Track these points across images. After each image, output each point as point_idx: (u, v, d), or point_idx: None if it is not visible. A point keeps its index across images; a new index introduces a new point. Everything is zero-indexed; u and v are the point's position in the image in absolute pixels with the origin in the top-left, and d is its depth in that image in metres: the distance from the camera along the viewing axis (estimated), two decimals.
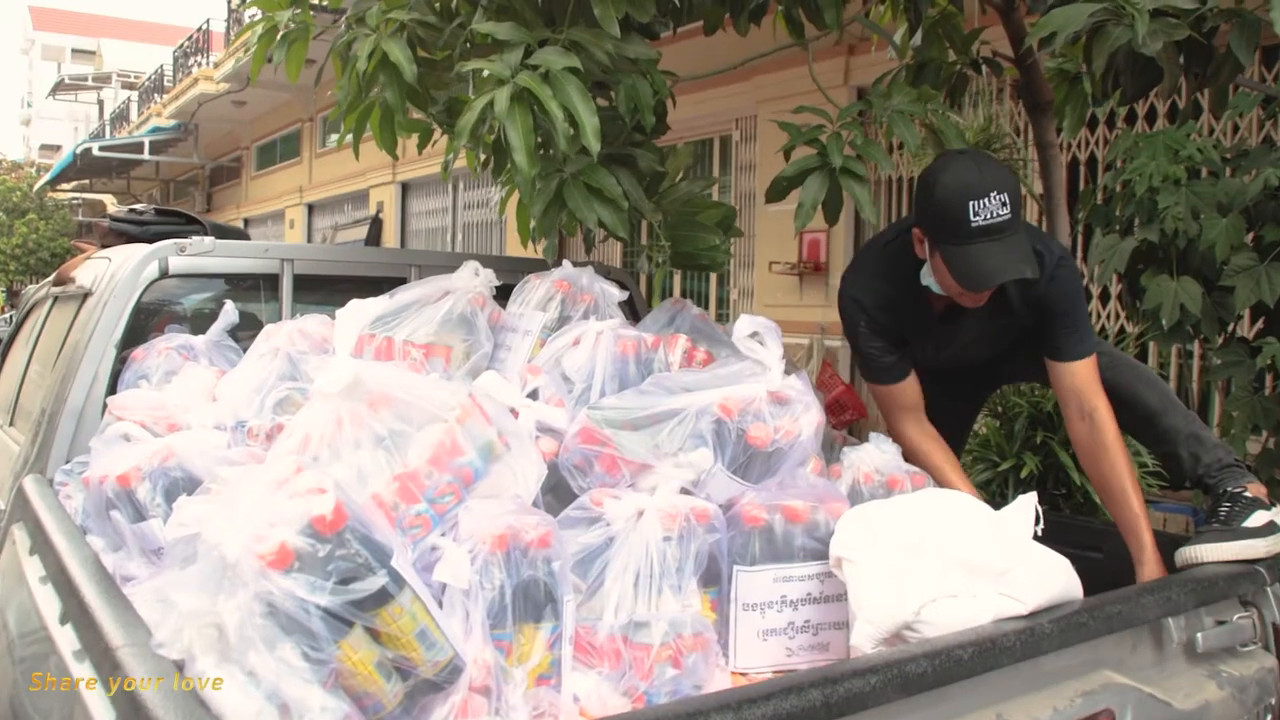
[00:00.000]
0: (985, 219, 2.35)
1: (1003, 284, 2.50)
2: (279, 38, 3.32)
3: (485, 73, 2.74)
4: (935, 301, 2.67)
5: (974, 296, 2.51)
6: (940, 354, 2.82)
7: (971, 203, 2.35)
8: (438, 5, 3.25)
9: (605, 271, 3.19)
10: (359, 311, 2.48)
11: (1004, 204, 2.35)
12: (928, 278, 2.56)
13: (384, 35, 3.00)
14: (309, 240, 18.28)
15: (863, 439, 2.61)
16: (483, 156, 3.44)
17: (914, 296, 2.65)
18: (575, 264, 2.79)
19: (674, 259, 3.27)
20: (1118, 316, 6.43)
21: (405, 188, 15.74)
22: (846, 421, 3.21)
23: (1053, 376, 2.66)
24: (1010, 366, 3.00)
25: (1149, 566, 2.44)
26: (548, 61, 2.63)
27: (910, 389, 2.74)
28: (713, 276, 9.74)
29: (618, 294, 2.74)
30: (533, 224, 3.06)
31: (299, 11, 3.32)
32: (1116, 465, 2.55)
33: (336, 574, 1.37)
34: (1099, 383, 2.61)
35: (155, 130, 22.13)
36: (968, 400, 3.30)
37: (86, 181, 27.16)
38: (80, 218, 30.56)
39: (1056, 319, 2.61)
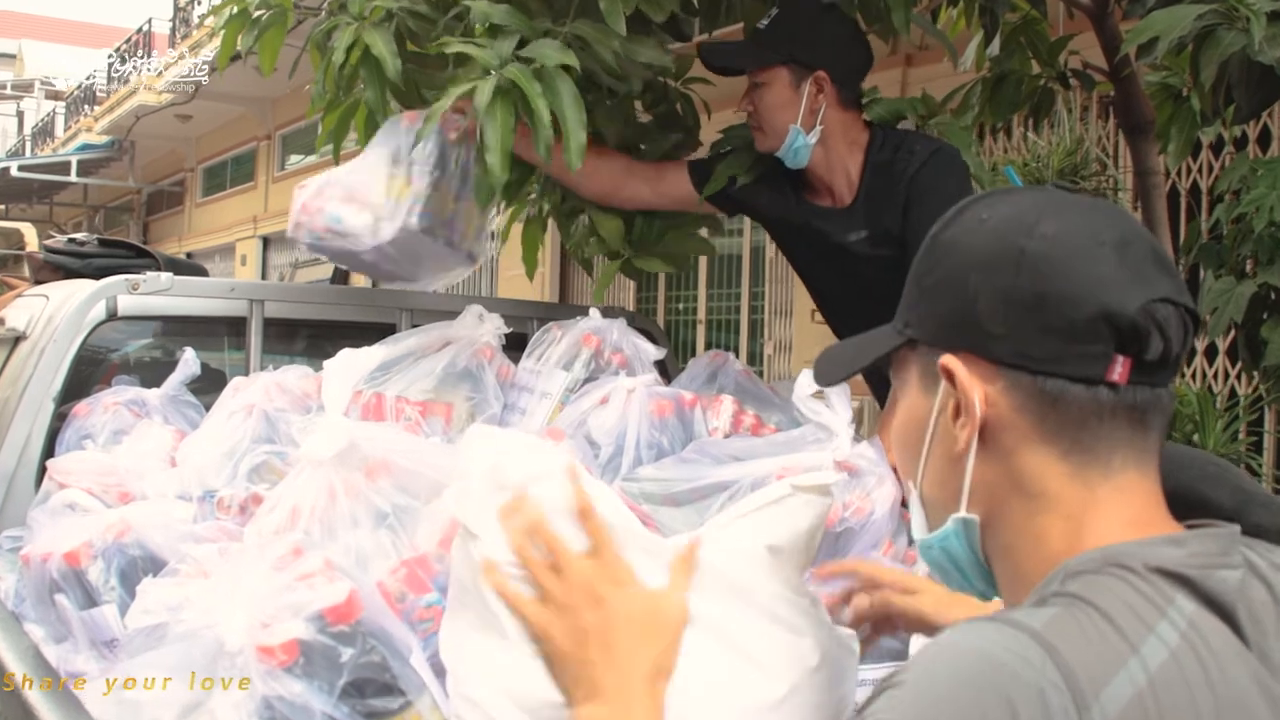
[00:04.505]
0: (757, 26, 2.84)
1: (874, 180, 2.83)
2: (251, 22, 3.31)
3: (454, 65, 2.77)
4: (805, 183, 2.96)
5: (753, 127, 2.87)
6: (830, 263, 2.98)
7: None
8: None
9: (630, 317, 3.20)
10: (352, 363, 2.48)
11: (767, 16, 2.81)
12: None
13: (367, 25, 3.00)
14: (263, 279, 18.34)
15: None
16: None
17: (789, 180, 2.97)
18: (604, 311, 2.79)
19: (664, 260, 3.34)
20: (1227, 376, 6.43)
21: None
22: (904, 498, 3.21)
23: None
24: None
25: None
26: (542, 55, 2.66)
27: (675, 180, 3.11)
28: (744, 327, 9.75)
29: (654, 352, 2.74)
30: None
31: None
32: None
33: (349, 675, 1.37)
34: None
35: (84, 148, 22.34)
36: None
37: (1, 207, 27.36)
38: None
39: (916, 218, 2.75)
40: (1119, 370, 1.02)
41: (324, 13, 3.29)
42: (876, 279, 2.79)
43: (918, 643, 2.02)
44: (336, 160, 3.54)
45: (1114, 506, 1.04)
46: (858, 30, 2.95)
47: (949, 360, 1.07)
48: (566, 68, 2.66)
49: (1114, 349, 1.01)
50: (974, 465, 1.07)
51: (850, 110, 2.85)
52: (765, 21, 2.81)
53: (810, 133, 2.79)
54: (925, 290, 1.13)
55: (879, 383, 3.20)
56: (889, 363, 1.20)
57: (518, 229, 3.65)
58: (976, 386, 1.06)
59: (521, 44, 2.72)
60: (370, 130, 3.30)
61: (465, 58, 2.75)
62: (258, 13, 3.30)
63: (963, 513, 1.09)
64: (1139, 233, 1.06)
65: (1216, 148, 6.77)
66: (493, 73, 2.65)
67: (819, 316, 3.27)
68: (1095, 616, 0.93)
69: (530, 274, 3.45)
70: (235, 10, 3.33)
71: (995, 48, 3.99)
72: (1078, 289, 1.01)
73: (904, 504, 3.13)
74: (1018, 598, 1.04)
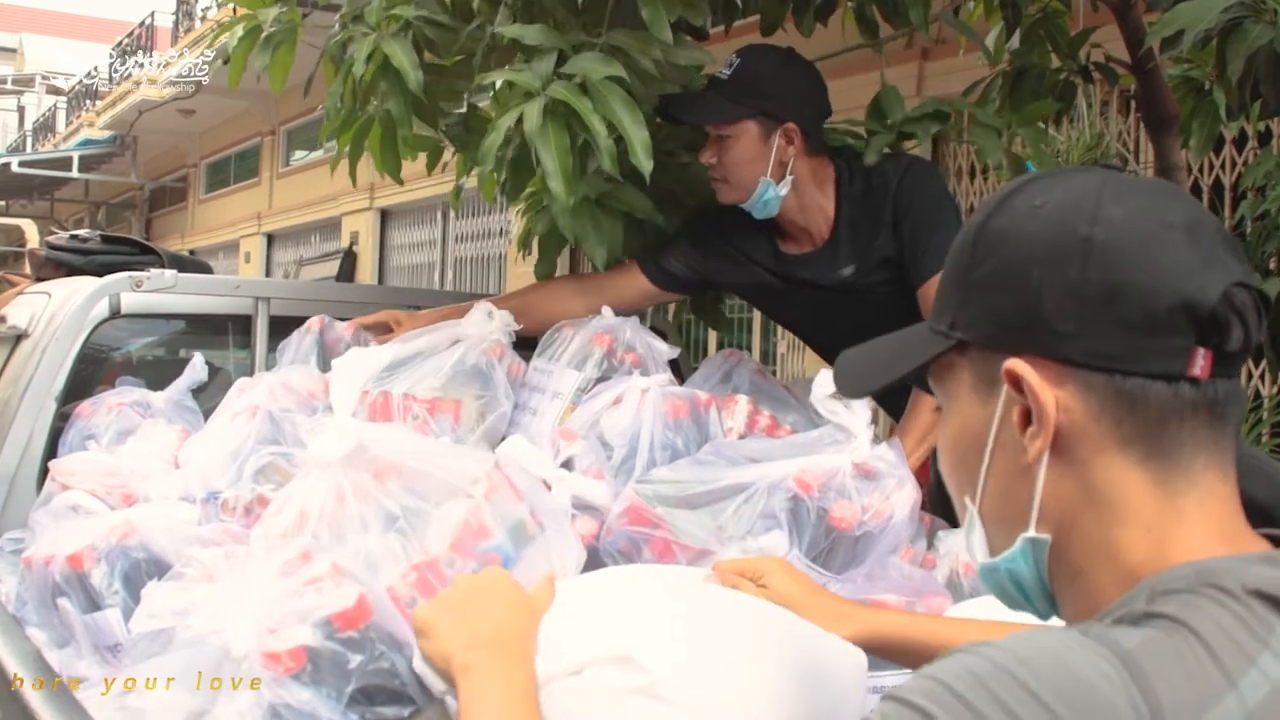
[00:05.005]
0: (717, 71, 2.82)
1: (852, 211, 2.84)
2: (262, 39, 3.31)
3: (499, 85, 2.74)
4: (776, 234, 2.95)
5: (715, 179, 2.83)
6: (815, 299, 2.96)
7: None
8: (450, 2, 3.25)
9: (643, 316, 3.19)
10: (360, 363, 2.48)
11: (729, 65, 2.79)
12: None
13: (385, 35, 2.98)
14: (268, 276, 18.37)
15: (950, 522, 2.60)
16: (502, 177, 3.45)
17: (761, 233, 2.95)
18: (618, 311, 2.79)
19: None
20: (1250, 376, 6.41)
21: (384, 215, 15.85)
22: (923, 501, 3.20)
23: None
24: None
25: None
26: (586, 69, 2.64)
27: (633, 283, 3.05)
28: (756, 326, 9.73)
29: (666, 350, 2.73)
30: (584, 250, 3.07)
31: (285, 9, 3.31)
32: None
33: (358, 682, 1.36)
34: None
35: (86, 143, 22.38)
36: None
37: (2, 203, 27.44)
38: None
39: (908, 233, 2.78)
40: (1200, 364, 0.95)
41: (337, 24, 3.27)
42: (878, 310, 2.80)
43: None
44: (354, 180, 3.54)
45: (1199, 516, 0.97)
46: (820, 78, 2.93)
47: (1016, 364, 0.98)
48: (614, 78, 2.65)
49: (1194, 341, 0.94)
50: (1045, 478, 0.99)
51: (817, 155, 2.86)
52: (727, 71, 2.80)
53: (780, 183, 2.79)
54: (974, 286, 1.04)
55: (892, 393, 3.19)
56: (927, 370, 1.11)
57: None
58: (1048, 392, 0.97)
59: (560, 60, 2.70)
60: (388, 145, 3.30)
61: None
62: (269, 30, 3.29)
63: (1032, 531, 1.01)
64: (1204, 213, 1.00)
65: (1240, 143, 6.75)
66: (537, 95, 2.64)
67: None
68: (1194, 643, 0.86)
69: (540, 278, 3.42)
70: (244, 30, 3.32)
71: (1015, 41, 3.98)
72: (1154, 278, 0.94)
73: (924, 507, 3.14)
74: (1085, 617, 0.95)
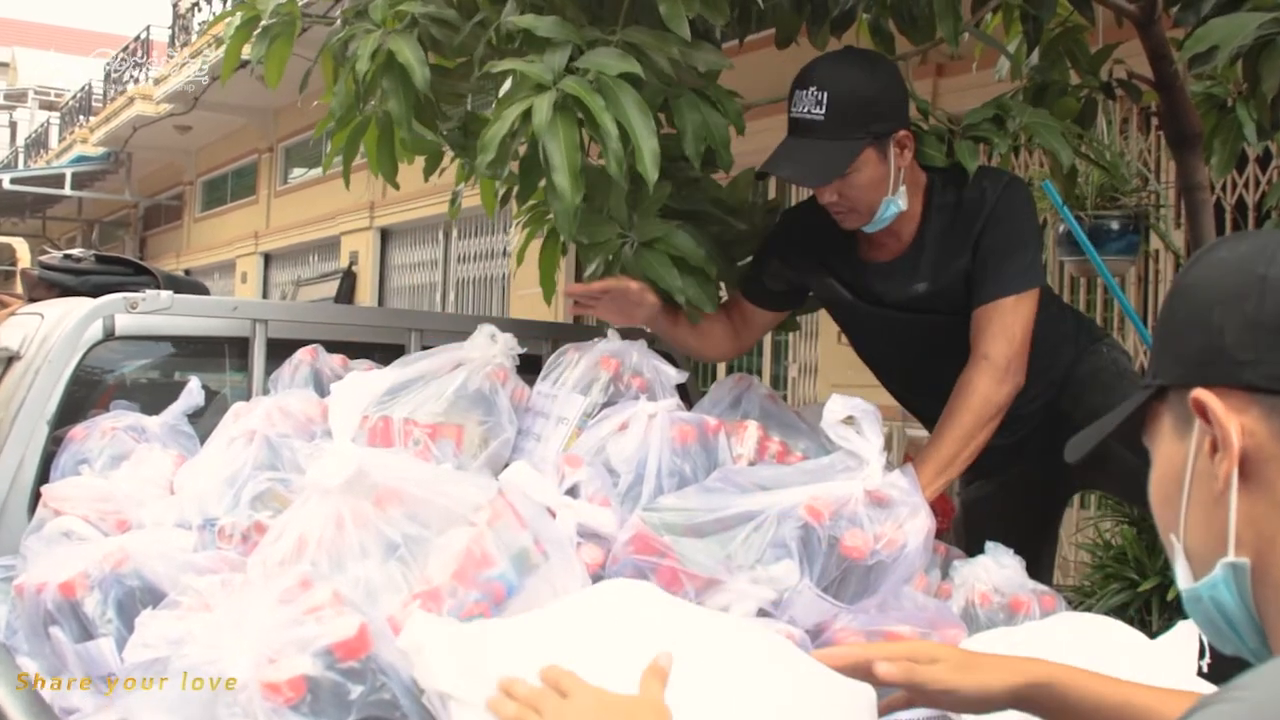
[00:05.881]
0: (796, 112, 2.67)
1: (940, 225, 2.80)
2: (259, 30, 3.27)
3: (509, 81, 2.72)
4: (859, 242, 2.90)
5: (831, 208, 2.74)
6: (879, 318, 2.95)
7: (795, 91, 2.68)
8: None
9: (651, 339, 3.19)
10: (360, 387, 2.49)
11: (819, 103, 2.63)
12: None
13: (391, 32, 2.95)
14: (265, 297, 18.39)
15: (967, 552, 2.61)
16: (501, 190, 3.44)
17: (841, 235, 2.88)
18: (624, 333, 2.79)
19: None
20: None
21: (385, 235, 15.86)
22: (939, 530, 3.19)
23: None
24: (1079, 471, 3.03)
25: None
26: (600, 65, 2.61)
27: (749, 314, 3.10)
28: (766, 349, 9.75)
29: (675, 375, 2.73)
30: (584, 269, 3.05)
31: (285, 0, 3.28)
32: (954, 411, 2.68)
33: (358, 713, 1.37)
34: (1004, 330, 2.71)
35: (80, 160, 22.42)
36: (1034, 502, 3.29)
37: None
38: None
39: (984, 247, 2.76)
40: None
41: (339, 21, 3.24)
42: (941, 333, 2.84)
43: None
44: (347, 183, 3.50)
45: None
46: (896, 68, 2.89)
47: (1200, 393, 1.08)
48: (625, 76, 2.61)
49: None
50: (1238, 502, 1.07)
51: (915, 158, 2.81)
52: (818, 111, 2.63)
53: (897, 194, 2.74)
54: (1168, 336, 1.16)
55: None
56: (1142, 427, 1.21)
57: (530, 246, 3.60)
58: (1231, 418, 1.06)
59: (572, 56, 2.67)
60: (384, 147, 3.26)
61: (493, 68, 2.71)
62: (266, 21, 3.25)
63: (1230, 556, 1.08)
64: None
65: (1263, 161, 6.76)
66: (549, 89, 2.60)
67: (845, 339, 3.24)
68: None
69: (548, 297, 3.42)
70: (241, 19, 3.29)
71: (1035, 57, 3.99)
72: None
73: (938, 535, 3.15)
74: None
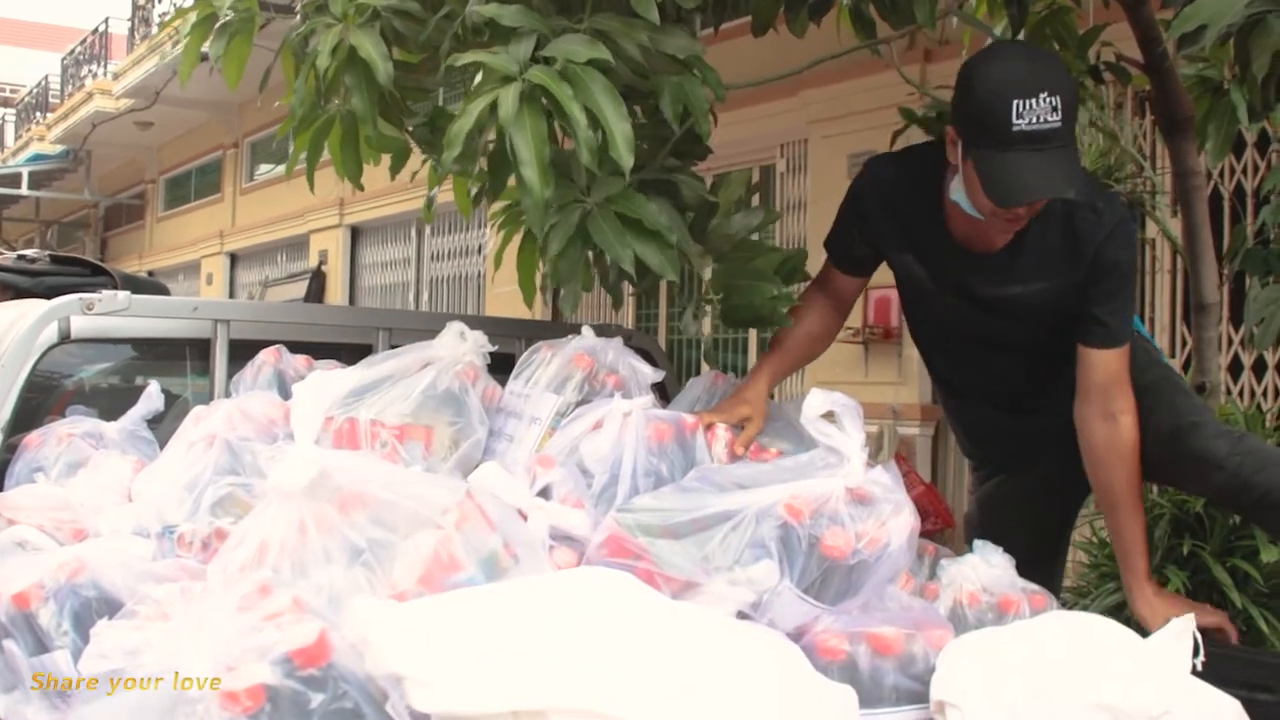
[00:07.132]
0: (1029, 123, 2.47)
1: (1045, 233, 2.72)
2: (217, 28, 3.27)
3: (480, 74, 2.71)
4: (957, 226, 2.82)
5: (1006, 222, 2.65)
6: (952, 308, 2.95)
7: (1016, 102, 2.47)
8: None
9: (627, 336, 3.19)
10: (324, 387, 2.49)
11: (1054, 109, 2.47)
12: (957, 190, 2.69)
13: (352, 26, 2.94)
14: (231, 298, 18.33)
15: (957, 551, 2.62)
16: (473, 190, 3.43)
17: (931, 213, 2.85)
18: (599, 330, 2.78)
19: (727, 314, 3.22)
20: (1278, 392, 6.43)
21: (355, 233, 15.84)
22: (928, 531, 3.21)
23: (1078, 367, 2.79)
24: None
25: (1143, 595, 2.80)
26: (567, 53, 2.60)
27: (845, 283, 3.07)
28: (753, 345, 9.75)
29: (652, 374, 2.74)
30: (544, 268, 3.03)
31: None
32: (1130, 478, 2.76)
33: None
34: (1129, 382, 2.77)
35: (36, 158, 22.34)
36: (1053, 505, 3.31)
37: None
38: None
39: (1100, 291, 2.74)
40: None
41: (299, 15, 3.23)
42: (1017, 330, 2.89)
43: (941, 677, 2.03)
44: (311, 187, 3.49)
45: None
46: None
47: None
48: (595, 63, 2.60)
49: None
50: None
51: None
52: (1054, 117, 2.48)
53: None
54: None
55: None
56: None
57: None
58: None
59: (538, 45, 2.65)
60: (348, 147, 3.26)
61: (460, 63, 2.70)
62: (225, 16, 3.24)
63: None
64: None
65: (1261, 145, 6.78)
66: (514, 80, 2.59)
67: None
68: None
69: (529, 299, 3.41)
70: (198, 17, 3.28)
71: (1021, 39, 4.00)
72: None
73: (924, 534, 3.16)
74: None
